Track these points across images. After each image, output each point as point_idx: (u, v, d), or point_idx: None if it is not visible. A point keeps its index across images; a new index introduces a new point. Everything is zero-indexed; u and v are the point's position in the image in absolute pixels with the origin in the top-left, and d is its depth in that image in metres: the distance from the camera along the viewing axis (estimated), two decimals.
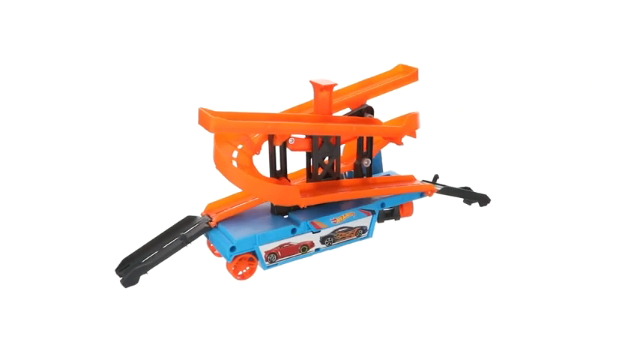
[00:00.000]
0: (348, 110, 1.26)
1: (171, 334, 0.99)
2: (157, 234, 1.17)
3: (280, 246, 1.15)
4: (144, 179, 1.46)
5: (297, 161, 1.24)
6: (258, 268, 1.15)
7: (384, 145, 1.31)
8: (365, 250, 1.25)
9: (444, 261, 1.20)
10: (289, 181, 1.20)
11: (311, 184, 1.21)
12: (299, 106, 1.23)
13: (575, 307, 1.05)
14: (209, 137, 1.10)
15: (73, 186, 1.44)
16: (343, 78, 1.29)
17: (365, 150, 1.26)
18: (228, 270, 1.12)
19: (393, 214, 1.32)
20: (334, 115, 1.22)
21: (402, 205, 1.32)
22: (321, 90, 1.16)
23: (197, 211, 1.21)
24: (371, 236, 1.26)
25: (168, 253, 1.12)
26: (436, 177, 1.38)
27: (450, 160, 1.64)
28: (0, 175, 1.46)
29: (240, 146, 1.14)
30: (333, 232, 1.20)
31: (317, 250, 1.20)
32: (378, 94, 1.28)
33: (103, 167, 1.51)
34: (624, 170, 1.57)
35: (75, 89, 1.67)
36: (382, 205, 1.26)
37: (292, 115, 1.17)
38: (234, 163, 1.12)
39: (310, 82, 1.18)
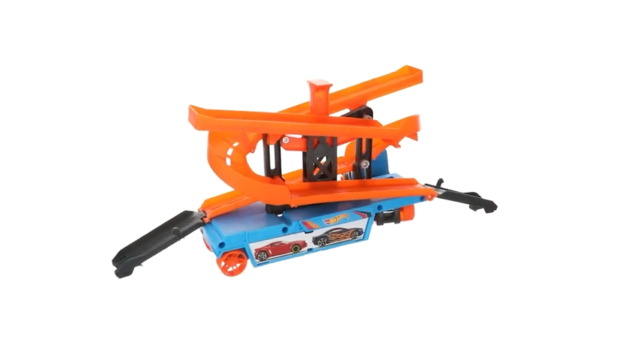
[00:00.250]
0: (347, 111, 1.25)
1: (158, 326, 1.01)
2: (155, 227, 1.20)
3: (271, 244, 1.16)
4: (146, 174, 1.49)
5: (297, 161, 1.25)
6: (249, 266, 1.16)
7: (384, 148, 1.30)
8: (359, 252, 1.24)
9: (438, 266, 1.19)
10: (283, 180, 1.20)
11: (306, 184, 1.21)
12: (298, 106, 1.24)
13: (579, 315, 1.02)
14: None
15: (80, 180, 1.50)
16: (350, 78, 1.30)
17: (364, 151, 1.25)
18: (218, 265, 1.14)
19: (393, 217, 1.31)
20: (331, 115, 1.22)
21: (402, 209, 1.30)
22: (317, 90, 1.16)
23: (195, 207, 1.23)
24: (367, 239, 1.25)
25: (161, 247, 1.15)
26: (440, 181, 1.36)
27: (460, 164, 1.61)
28: (6, 172, 1.52)
29: (236, 144, 1.15)
30: (326, 233, 1.20)
31: (310, 250, 1.20)
32: (379, 96, 1.27)
33: (109, 163, 1.56)
34: (633, 177, 1.52)
35: (76, 88, 1.71)
36: (379, 207, 1.25)
37: (286, 115, 1.17)
38: (228, 161, 1.13)
39: (307, 82, 1.18)
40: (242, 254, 1.14)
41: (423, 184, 1.34)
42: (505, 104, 1.84)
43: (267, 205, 1.21)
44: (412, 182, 1.31)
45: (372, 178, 1.29)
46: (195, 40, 1.70)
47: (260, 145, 1.17)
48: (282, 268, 1.18)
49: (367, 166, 1.26)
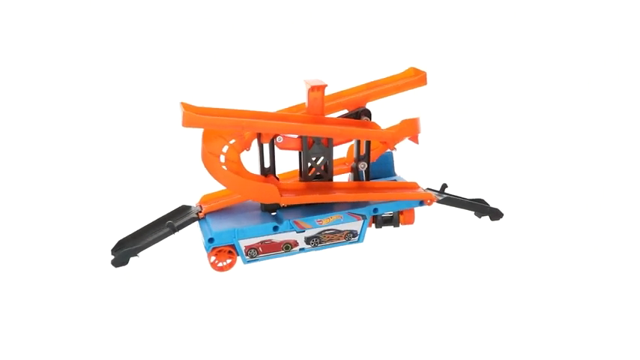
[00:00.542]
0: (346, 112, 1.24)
1: (145, 316, 1.04)
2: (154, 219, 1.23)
3: (262, 242, 1.17)
4: (150, 169, 1.53)
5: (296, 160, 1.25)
6: (240, 263, 1.18)
7: (384, 150, 1.28)
8: (353, 254, 1.23)
9: (430, 272, 1.17)
10: (277, 179, 1.21)
11: (302, 184, 1.21)
12: (297, 106, 1.24)
13: (582, 328, 0.99)
14: None
15: (89, 174, 1.55)
16: (357, 79, 1.29)
17: (362, 153, 1.24)
18: (208, 260, 1.16)
19: (392, 220, 1.29)
20: (329, 116, 1.21)
21: (402, 213, 1.28)
22: (312, 90, 1.15)
23: (195, 201, 1.26)
24: (362, 241, 1.24)
25: (156, 239, 1.18)
26: (444, 186, 1.33)
27: (471, 168, 1.57)
28: (10, 168, 1.57)
29: (232, 141, 1.16)
30: (319, 234, 1.20)
31: (302, 250, 1.20)
32: (380, 97, 1.25)
33: (117, 158, 1.60)
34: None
35: (78, 86, 1.73)
36: (375, 210, 1.23)
37: (277, 114, 1.17)
38: (222, 158, 1.15)
39: (304, 81, 1.18)
40: (232, 250, 1.16)
41: (424, 188, 1.31)
42: (520, 108, 1.79)
43: (262, 203, 1.22)
44: (413, 186, 1.29)
45: (371, 181, 1.28)
46: (203, 38, 1.73)
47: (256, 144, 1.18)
48: (273, 267, 1.19)
49: (365, 168, 1.25)
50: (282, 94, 1.39)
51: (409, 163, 1.50)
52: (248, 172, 1.18)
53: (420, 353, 0.95)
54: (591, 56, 1.81)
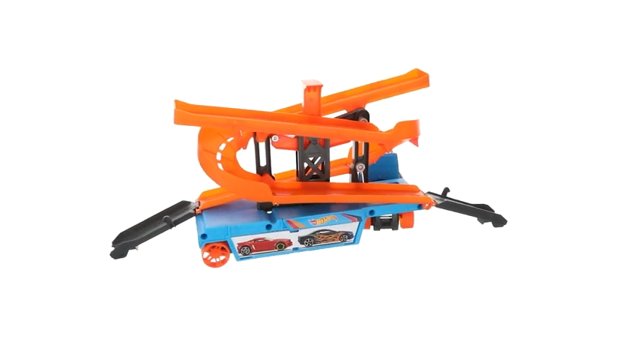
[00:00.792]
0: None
1: (135, 308, 1.07)
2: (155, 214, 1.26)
3: (255, 240, 1.18)
4: (155, 166, 1.56)
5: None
6: (232, 260, 1.19)
7: (383, 152, 1.27)
8: (347, 255, 1.23)
9: (423, 276, 1.15)
10: (273, 178, 1.21)
11: (298, 184, 1.22)
12: (297, 105, 1.24)
13: (584, 340, 0.97)
14: None
15: (98, 169, 1.59)
16: (360, 80, 1.28)
17: (361, 154, 1.23)
18: (201, 256, 1.17)
19: (391, 223, 1.27)
20: (327, 116, 1.21)
21: (402, 216, 1.27)
22: (308, 90, 1.16)
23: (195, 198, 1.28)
24: (357, 243, 1.23)
25: (153, 233, 1.21)
26: (446, 190, 1.31)
27: (478, 172, 1.54)
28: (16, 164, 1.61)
29: (230, 139, 1.18)
30: (313, 234, 1.20)
31: (295, 249, 1.20)
32: (380, 99, 1.25)
33: (125, 155, 1.64)
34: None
35: (81, 86, 1.75)
36: (372, 212, 1.22)
37: (271, 114, 1.18)
38: (219, 156, 1.17)
39: (302, 81, 1.19)
40: (224, 247, 1.17)
41: (425, 192, 1.29)
42: (533, 111, 1.76)
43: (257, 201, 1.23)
44: (412, 189, 1.27)
45: (370, 182, 1.27)
46: (210, 37, 1.74)
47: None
48: (267, 265, 1.20)
49: (362, 169, 1.24)
50: (287, 95, 1.39)
51: (416, 166, 1.49)
52: (243, 170, 1.19)
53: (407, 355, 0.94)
54: (600, 61, 1.79)
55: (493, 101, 1.78)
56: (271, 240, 1.18)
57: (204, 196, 1.27)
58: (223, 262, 1.18)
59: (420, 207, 1.25)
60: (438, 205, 1.26)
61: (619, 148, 1.65)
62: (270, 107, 1.25)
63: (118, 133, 1.66)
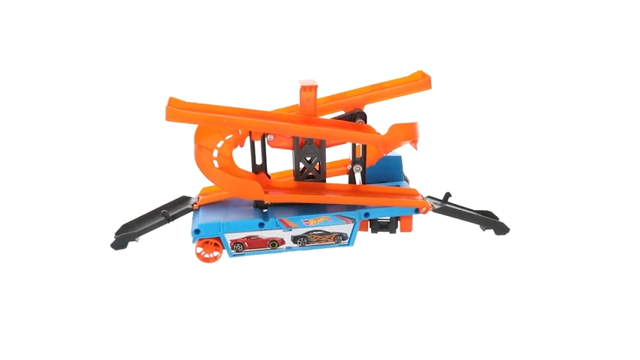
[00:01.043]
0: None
1: (126, 300, 1.10)
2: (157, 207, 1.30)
3: (247, 237, 1.19)
4: (160, 161, 1.60)
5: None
6: (225, 256, 1.21)
7: (381, 155, 1.26)
8: (340, 257, 1.22)
9: (415, 281, 1.13)
10: (269, 176, 1.22)
11: (294, 183, 1.22)
12: (296, 105, 1.24)
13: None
14: None
15: (107, 164, 1.64)
16: (364, 81, 1.28)
17: (358, 156, 1.23)
18: (195, 250, 1.20)
19: (389, 226, 1.26)
20: (324, 117, 1.21)
21: (401, 219, 1.25)
22: (304, 90, 1.16)
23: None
24: (352, 244, 1.23)
25: (152, 227, 1.24)
26: (447, 195, 1.28)
27: (487, 178, 1.50)
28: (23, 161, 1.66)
29: (228, 137, 1.20)
30: (306, 234, 1.20)
31: (288, 248, 1.21)
32: (380, 100, 1.24)
33: (132, 151, 1.68)
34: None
35: (82, 85, 1.77)
36: (367, 214, 1.22)
37: (265, 113, 1.18)
38: (215, 153, 1.19)
39: (299, 81, 1.19)
40: (218, 243, 1.19)
41: (424, 196, 1.27)
42: (547, 116, 1.72)
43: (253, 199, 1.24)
44: (411, 193, 1.25)
45: (369, 184, 1.26)
46: (216, 36, 1.76)
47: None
48: (259, 263, 1.21)
49: (359, 171, 1.23)
50: (292, 94, 1.40)
51: (424, 170, 1.47)
52: (238, 168, 1.20)
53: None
54: (606, 64, 1.75)
55: (505, 104, 1.74)
56: (264, 238, 1.19)
57: (204, 192, 1.30)
58: (216, 257, 1.20)
59: (417, 211, 1.23)
60: (435, 210, 1.23)
61: (631, 154, 1.60)
62: (274, 107, 1.26)
63: (130, 129, 1.71)
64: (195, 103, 1.14)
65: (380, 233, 1.27)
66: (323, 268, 1.20)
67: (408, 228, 1.26)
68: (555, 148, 1.68)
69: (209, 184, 1.30)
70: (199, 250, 1.19)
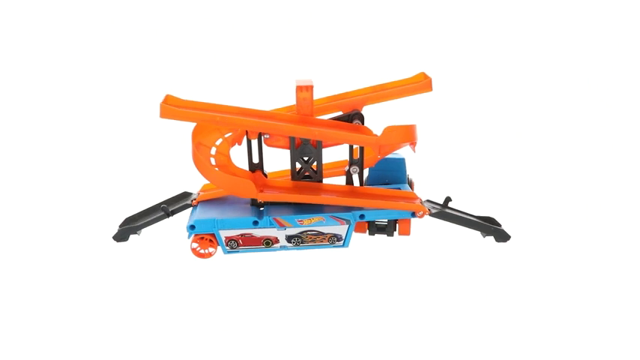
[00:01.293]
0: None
1: (118, 292, 1.12)
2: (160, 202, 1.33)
3: (242, 235, 1.20)
4: (165, 157, 1.62)
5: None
6: (220, 252, 1.22)
7: (377, 157, 1.24)
8: (333, 257, 1.22)
9: (406, 286, 1.12)
10: (265, 175, 1.23)
11: (289, 183, 1.23)
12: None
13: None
14: None
15: (115, 159, 1.67)
16: (367, 82, 1.27)
17: (356, 157, 1.22)
18: (190, 246, 1.22)
19: (387, 229, 1.25)
20: (323, 117, 1.21)
21: (399, 223, 1.24)
22: (301, 90, 1.16)
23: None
24: (347, 246, 1.22)
25: (153, 221, 1.27)
26: (447, 200, 1.26)
27: (494, 183, 1.47)
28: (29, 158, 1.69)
29: (227, 135, 1.21)
30: (300, 233, 1.20)
31: (282, 247, 1.21)
32: (380, 101, 1.23)
33: (143, 147, 1.71)
34: None
35: (84, 85, 1.78)
36: (362, 216, 1.21)
37: (262, 112, 1.18)
38: (214, 150, 1.20)
39: (296, 81, 1.19)
40: (212, 239, 1.20)
41: (424, 199, 1.26)
42: (559, 121, 1.68)
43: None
44: (409, 196, 1.24)
45: (366, 186, 1.25)
46: (222, 36, 1.77)
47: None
48: (253, 261, 1.22)
49: (356, 172, 1.22)
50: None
51: (430, 173, 1.45)
52: (235, 166, 1.21)
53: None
54: (610, 68, 1.70)
55: (517, 107, 1.69)
56: (258, 236, 1.20)
57: (205, 188, 1.32)
58: (211, 254, 1.21)
59: (413, 215, 1.21)
60: (432, 215, 1.21)
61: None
62: (279, 106, 1.27)
63: (140, 127, 1.73)
64: (192, 101, 1.15)
65: (377, 236, 1.26)
66: (315, 268, 1.20)
67: (406, 232, 1.25)
68: (567, 153, 1.64)
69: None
70: (195, 245, 1.21)
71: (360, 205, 1.20)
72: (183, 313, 1.06)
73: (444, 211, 1.22)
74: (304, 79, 1.19)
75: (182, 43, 1.77)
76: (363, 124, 1.20)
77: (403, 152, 1.31)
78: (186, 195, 1.32)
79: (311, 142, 1.19)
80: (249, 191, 1.17)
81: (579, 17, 1.72)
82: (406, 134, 1.15)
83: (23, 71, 1.76)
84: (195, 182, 1.36)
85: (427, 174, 1.45)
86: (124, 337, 1.00)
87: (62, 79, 1.77)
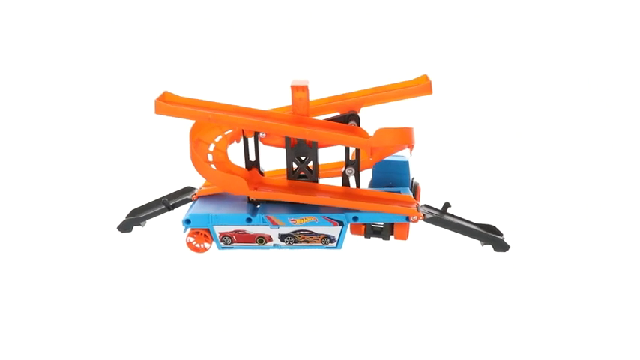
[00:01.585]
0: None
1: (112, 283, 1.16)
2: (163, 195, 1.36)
3: (235, 231, 1.21)
4: (173, 153, 1.64)
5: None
6: (215, 247, 1.24)
7: (369, 159, 1.23)
8: (326, 258, 1.22)
9: (397, 290, 1.12)
10: (262, 173, 1.24)
11: (285, 182, 1.23)
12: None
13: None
14: None
15: (123, 154, 1.71)
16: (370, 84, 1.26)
17: (352, 159, 1.21)
18: (185, 239, 1.24)
19: (382, 232, 1.23)
20: (321, 117, 1.21)
21: (396, 227, 1.22)
22: (296, 90, 1.16)
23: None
24: (340, 247, 1.21)
25: (154, 214, 1.31)
26: (446, 205, 1.23)
27: (499, 190, 1.42)
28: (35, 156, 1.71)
29: (227, 132, 1.23)
30: (293, 233, 1.21)
31: (275, 245, 1.22)
32: (378, 103, 1.22)
33: (144, 143, 1.73)
34: None
35: (85, 85, 1.80)
36: (355, 218, 1.20)
37: (257, 111, 1.19)
38: (212, 147, 1.22)
39: (292, 81, 1.19)
40: (207, 234, 1.22)
41: (420, 204, 1.23)
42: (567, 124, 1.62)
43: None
44: (406, 200, 1.22)
45: (362, 189, 1.24)
46: (227, 36, 1.77)
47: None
48: (246, 257, 1.23)
49: (352, 174, 1.21)
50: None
51: (436, 177, 1.42)
52: (232, 163, 1.23)
53: None
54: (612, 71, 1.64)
55: (527, 113, 1.63)
56: (252, 233, 1.21)
57: (207, 184, 1.34)
58: (206, 248, 1.24)
59: (408, 219, 1.19)
60: (427, 220, 1.19)
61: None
62: (279, 106, 1.27)
63: (150, 123, 1.76)
64: (188, 98, 1.17)
65: (372, 239, 1.24)
66: (307, 267, 1.20)
67: (402, 236, 1.23)
68: (582, 160, 1.58)
69: None
70: (190, 239, 1.23)
71: (353, 207, 1.19)
72: (173, 307, 1.08)
73: (440, 217, 1.19)
74: (300, 78, 1.18)
75: (183, 43, 1.79)
76: (358, 125, 1.19)
77: (407, 155, 1.28)
78: (189, 190, 1.35)
79: (306, 142, 1.19)
80: (242, 189, 1.18)
81: (579, 19, 1.68)
82: (399, 137, 1.13)
83: (24, 71, 1.79)
84: (200, 178, 1.39)
85: (435, 178, 1.42)
86: (116, 325, 1.03)
87: (78, 77, 1.81)
